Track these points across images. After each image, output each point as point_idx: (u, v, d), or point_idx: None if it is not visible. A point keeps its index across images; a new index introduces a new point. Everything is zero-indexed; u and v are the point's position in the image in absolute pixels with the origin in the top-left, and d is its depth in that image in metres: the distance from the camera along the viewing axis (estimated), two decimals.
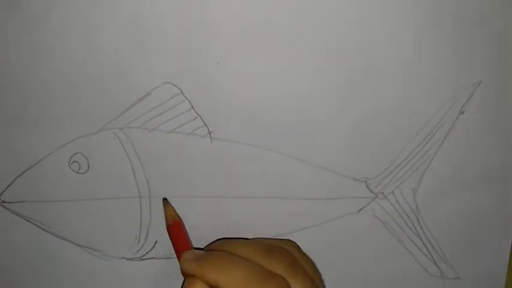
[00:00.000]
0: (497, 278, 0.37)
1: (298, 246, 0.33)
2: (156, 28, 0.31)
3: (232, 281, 0.28)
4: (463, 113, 0.34)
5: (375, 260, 0.36)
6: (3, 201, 0.34)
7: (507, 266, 0.36)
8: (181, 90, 0.32)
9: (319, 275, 0.32)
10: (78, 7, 0.31)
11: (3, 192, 0.34)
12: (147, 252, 0.35)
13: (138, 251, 0.35)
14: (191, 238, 0.34)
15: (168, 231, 0.33)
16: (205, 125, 0.33)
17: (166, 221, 0.33)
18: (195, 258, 0.29)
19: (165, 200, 0.34)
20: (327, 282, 0.35)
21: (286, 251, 0.30)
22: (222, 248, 0.31)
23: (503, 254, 0.36)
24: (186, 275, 0.30)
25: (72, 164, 0.33)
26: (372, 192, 0.35)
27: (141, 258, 0.35)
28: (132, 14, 0.31)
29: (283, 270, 0.29)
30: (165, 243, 0.34)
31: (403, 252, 0.36)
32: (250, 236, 0.34)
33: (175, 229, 0.33)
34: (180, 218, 0.34)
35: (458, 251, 0.36)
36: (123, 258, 0.35)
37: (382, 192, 0.35)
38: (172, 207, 0.34)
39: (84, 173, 0.34)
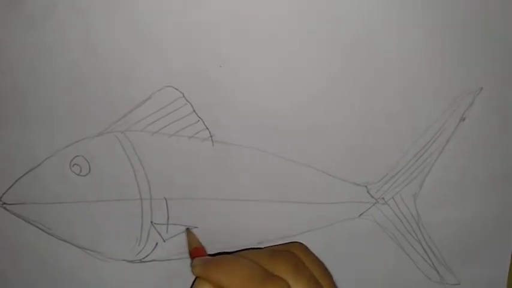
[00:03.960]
0: (497, 284, 0.37)
1: (306, 248, 0.33)
2: (158, 30, 0.31)
3: (234, 280, 0.28)
4: (464, 119, 0.34)
5: (374, 265, 0.36)
6: (4, 203, 0.34)
7: (507, 272, 0.36)
8: (183, 94, 0.32)
9: (328, 277, 0.32)
10: (78, 8, 0.31)
11: (4, 194, 0.34)
12: (147, 255, 0.35)
13: (138, 253, 0.35)
14: None
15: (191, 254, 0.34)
16: (207, 128, 0.33)
17: (189, 246, 0.35)
18: (202, 262, 0.30)
19: (187, 229, 0.35)
20: None
21: (290, 253, 0.31)
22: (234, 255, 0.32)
23: (504, 260, 0.36)
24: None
25: (73, 166, 0.33)
26: (372, 197, 0.35)
27: (141, 261, 0.35)
28: (134, 15, 0.31)
29: (286, 272, 0.29)
30: (166, 246, 0.34)
31: (403, 258, 0.36)
32: (250, 239, 0.35)
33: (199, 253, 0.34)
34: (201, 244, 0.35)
35: (458, 257, 0.36)
36: (123, 260, 0.35)
37: (383, 198, 0.35)
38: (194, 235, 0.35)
39: (85, 175, 0.34)
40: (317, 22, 0.31)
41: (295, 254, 0.31)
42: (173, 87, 0.32)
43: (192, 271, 0.31)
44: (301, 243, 0.33)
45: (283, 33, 0.31)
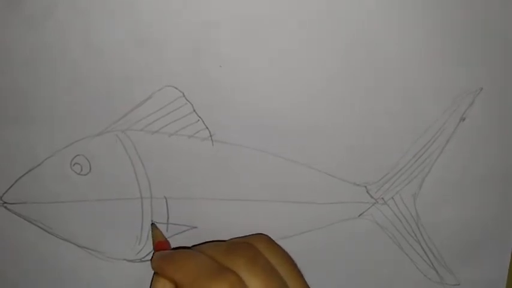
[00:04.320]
0: (497, 284, 0.37)
1: (268, 239, 0.32)
2: (158, 30, 0.31)
3: (185, 275, 0.29)
4: (463, 120, 0.33)
5: (374, 265, 0.36)
6: (5, 202, 0.34)
7: (507, 272, 0.36)
8: (183, 93, 0.32)
9: (290, 267, 0.31)
10: (78, 8, 0.31)
11: (5, 193, 0.34)
12: (147, 254, 0.35)
13: (138, 252, 0.35)
14: (190, 240, 0.34)
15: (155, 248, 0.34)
16: (207, 127, 0.33)
17: (153, 240, 0.34)
18: (159, 257, 0.31)
19: (153, 224, 0.35)
20: (325, 286, 0.35)
21: (247, 245, 0.30)
22: (193, 249, 0.32)
23: (504, 261, 0.36)
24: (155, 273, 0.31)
25: (73, 165, 0.34)
26: (372, 197, 0.35)
27: (141, 260, 0.35)
28: (134, 15, 0.31)
29: (240, 265, 0.29)
30: None
31: (403, 258, 0.36)
32: None
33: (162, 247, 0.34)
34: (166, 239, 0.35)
35: (458, 257, 0.36)
36: (124, 259, 0.35)
37: (382, 198, 0.35)
38: (160, 230, 0.35)
39: (86, 174, 0.34)
40: (317, 22, 0.31)
41: (253, 246, 0.30)
42: (173, 87, 0.32)
43: (151, 266, 0.31)
44: (264, 235, 0.33)
45: (283, 33, 0.31)
